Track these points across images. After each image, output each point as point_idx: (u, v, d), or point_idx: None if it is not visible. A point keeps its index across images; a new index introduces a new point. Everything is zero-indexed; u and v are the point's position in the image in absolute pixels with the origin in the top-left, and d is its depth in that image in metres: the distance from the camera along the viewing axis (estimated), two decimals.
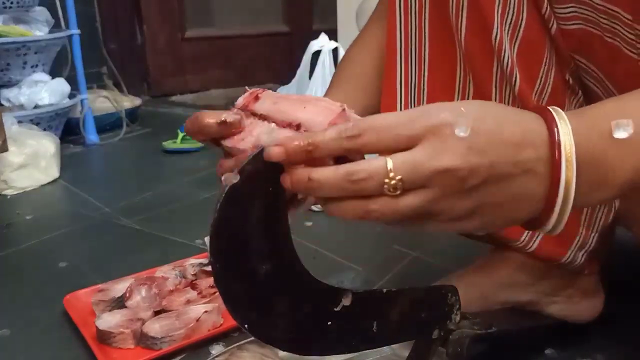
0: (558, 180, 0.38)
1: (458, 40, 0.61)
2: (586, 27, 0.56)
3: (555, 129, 0.38)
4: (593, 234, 0.66)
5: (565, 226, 0.64)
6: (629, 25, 0.52)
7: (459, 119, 0.37)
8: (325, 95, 0.68)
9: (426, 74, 0.64)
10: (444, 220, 0.39)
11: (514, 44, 0.59)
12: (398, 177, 0.37)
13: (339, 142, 0.38)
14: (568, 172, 0.38)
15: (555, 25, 0.59)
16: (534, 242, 0.65)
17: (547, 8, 0.58)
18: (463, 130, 0.37)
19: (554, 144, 0.38)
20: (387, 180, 0.37)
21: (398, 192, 0.37)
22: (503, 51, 0.58)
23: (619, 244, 0.76)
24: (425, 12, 0.63)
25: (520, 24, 0.59)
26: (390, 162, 0.37)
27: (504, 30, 0.58)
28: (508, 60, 0.59)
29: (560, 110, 0.40)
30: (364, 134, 0.37)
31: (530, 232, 0.64)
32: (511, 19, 0.59)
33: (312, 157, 0.38)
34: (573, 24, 0.58)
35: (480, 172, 0.37)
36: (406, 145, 0.37)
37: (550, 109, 0.40)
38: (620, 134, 0.39)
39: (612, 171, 0.39)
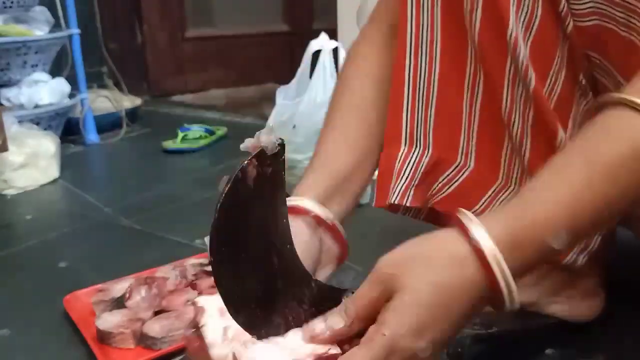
0: (503, 305, 0.46)
1: (471, 36, 0.60)
2: (601, 22, 0.56)
3: (497, 282, 0.44)
4: (597, 237, 0.66)
5: None
6: None
7: (419, 343, 0.43)
8: (326, 125, 0.69)
9: (437, 70, 0.63)
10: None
11: (527, 40, 0.59)
12: None
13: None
14: (511, 300, 0.46)
15: (571, 23, 0.58)
16: None
17: (564, 5, 0.57)
18: (424, 352, 0.43)
19: (497, 291, 0.45)
20: None
21: None
22: (518, 49, 0.57)
23: (619, 244, 0.76)
24: (437, 7, 0.62)
25: (534, 21, 0.58)
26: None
27: (519, 27, 0.58)
28: (523, 59, 0.58)
29: (492, 248, 0.44)
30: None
31: None
32: (525, 16, 0.58)
33: None
34: (589, 20, 0.57)
35: (445, 347, 0.48)
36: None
37: (481, 247, 0.44)
38: (558, 245, 0.45)
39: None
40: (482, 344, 0.64)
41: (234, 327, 0.45)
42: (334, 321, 0.46)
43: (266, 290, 0.45)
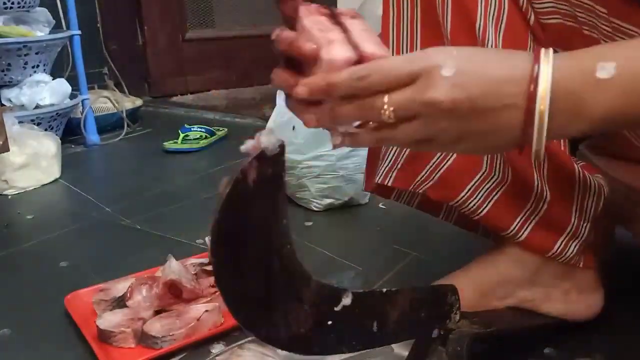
0: (533, 111, 0.43)
1: (445, 35, 0.63)
2: (565, 21, 0.59)
3: (537, 65, 0.43)
4: (585, 224, 0.66)
5: (556, 215, 0.65)
6: (604, 18, 0.53)
7: (448, 61, 0.43)
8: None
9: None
10: (439, 144, 0.46)
11: (499, 32, 0.62)
12: (391, 109, 0.44)
13: (351, 82, 0.44)
14: (541, 105, 0.42)
15: (533, 17, 0.61)
16: (524, 232, 0.66)
17: (523, 2, 0.61)
18: (448, 70, 0.43)
19: (531, 79, 0.43)
20: (382, 112, 0.44)
21: (392, 120, 0.45)
22: (487, 41, 0.60)
23: (619, 244, 0.76)
24: (417, 9, 0.65)
25: (502, 15, 0.61)
26: (386, 97, 0.44)
27: (488, 20, 0.61)
28: (492, 47, 0.60)
29: (551, 50, 0.43)
30: (372, 74, 0.44)
31: (520, 222, 0.65)
32: (494, 10, 0.61)
33: (328, 95, 0.45)
34: (552, 18, 0.60)
35: (462, 105, 0.43)
36: (405, 83, 0.44)
37: (543, 49, 0.44)
38: (603, 74, 0.42)
39: (589, 106, 0.43)
40: (481, 343, 0.64)
41: None
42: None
43: (266, 290, 0.45)
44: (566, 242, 0.66)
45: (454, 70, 0.42)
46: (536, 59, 0.43)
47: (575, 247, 0.66)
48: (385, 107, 0.44)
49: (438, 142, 0.46)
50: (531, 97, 0.42)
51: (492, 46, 0.60)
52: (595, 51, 0.44)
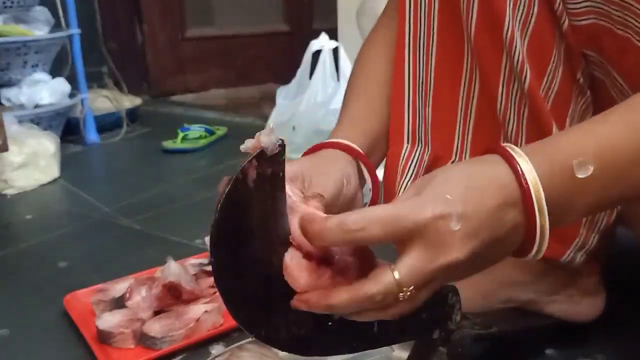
0: (534, 226, 0.42)
1: (467, 35, 0.60)
2: (598, 21, 0.56)
3: (523, 180, 0.41)
4: (594, 235, 0.66)
5: (566, 227, 0.64)
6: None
7: (450, 210, 0.40)
8: (348, 96, 0.69)
9: (433, 68, 0.64)
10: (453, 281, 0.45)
11: (524, 39, 0.59)
12: (411, 288, 0.40)
13: (342, 235, 0.39)
14: (541, 218, 0.42)
15: (566, 22, 0.58)
16: None
17: (559, 4, 0.58)
18: (455, 223, 0.40)
19: (525, 196, 0.42)
20: (401, 294, 0.40)
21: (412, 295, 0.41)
22: (514, 46, 0.58)
23: (619, 244, 0.76)
24: (434, 7, 0.62)
25: (531, 19, 0.58)
26: (397, 274, 0.40)
27: (516, 25, 0.58)
28: (519, 56, 0.58)
29: (520, 152, 0.43)
30: (367, 227, 0.39)
31: None
32: (522, 14, 0.58)
33: (316, 245, 0.42)
34: (585, 19, 0.57)
35: (478, 252, 0.41)
36: (407, 236, 0.40)
37: (510, 152, 0.43)
38: (581, 174, 0.42)
39: (576, 203, 0.43)
40: (482, 344, 0.64)
41: None
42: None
43: (266, 291, 0.45)
44: (574, 252, 0.65)
45: (460, 223, 0.40)
46: (516, 172, 0.42)
47: (582, 256, 0.66)
48: (404, 289, 0.40)
49: (452, 280, 0.46)
50: (530, 214, 0.42)
51: (518, 53, 0.58)
52: (566, 144, 0.43)
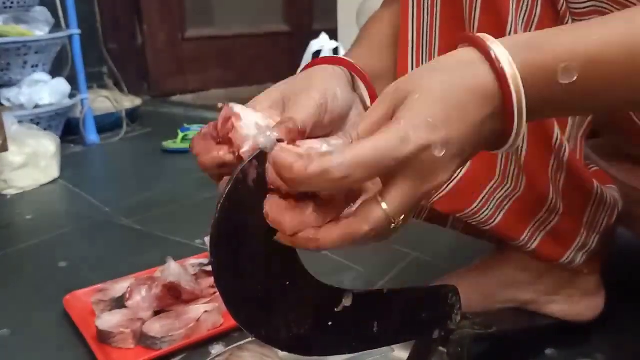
0: (511, 129, 0.41)
1: (470, 32, 0.60)
2: None
3: (507, 89, 0.39)
4: (594, 235, 0.66)
5: (566, 227, 0.64)
6: None
7: (433, 138, 0.38)
8: (355, 46, 0.67)
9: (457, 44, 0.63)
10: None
11: None
12: (401, 218, 0.40)
13: (326, 183, 0.37)
14: (519, 123, 0.40)
15: (570, 22, 0.58)
16: (533, 242, 0.65)
17: (563, 4, 0.58)
18: (439, 150, 0.39)
19: (507, 107, 0.40)
20: (393, 225, 0.39)
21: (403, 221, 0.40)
22: None
23: (619, 244, 0.76)
24: (437, 5, 0.62)
25: (534, 19, 0.58)
26: (385, 207, 0.39)
27: (519, 24, 0.58)
28: None
29: (502, 51, 0.40)
30: (352, 174, 0.37)
31: (530, 232, 0.64)
32: (525, 14, 0.58)
33: (294, 191, 0.40)
34: (588, 20, 0.57)
35: (460, 163, 0.41)
36: (392, 171, 0.39)
37: (492, 51, 0.40)
38: (565, 80, 0.40)
39: (553, 106, 0.42)
40: (482, 344, 0.64)
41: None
42: (332, 141, 0.42)
43: (266, 291, 0.45)
44: (575, 253, 0.65)
45: (444, 148, 0.39)
46: (498, 75, 0.40)
47: (582, 257, 0.66)
48: (394, 220, 0.39)
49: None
50: (509, 122, 0.40)
51: None
52: (554, 44, 0.41)
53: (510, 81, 0.39)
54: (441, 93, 0.40)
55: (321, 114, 0.48)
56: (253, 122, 0.45)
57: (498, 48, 0.40)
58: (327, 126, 0.50)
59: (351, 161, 0.37)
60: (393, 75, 0.65)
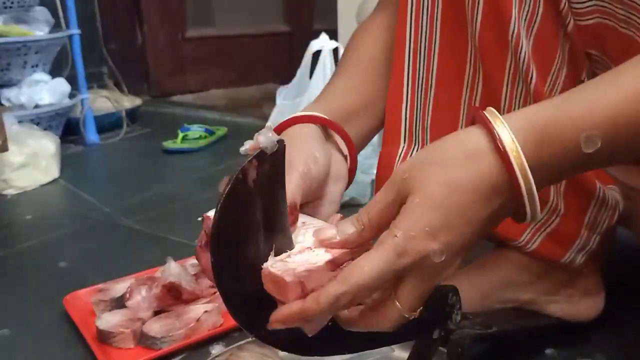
0: (524, 210, 0.41)
1: (471, 34, 0.59)
2: (602, 20, 0.56)
3: (515, 175, 0.39)
4: (595, 236, 0.66)
5: (567, 228, 0.64)
6: None
7: (431, 246, 0.39)
8: (332, 80, 0.67)
9: (435, 67, 0.63)
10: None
11: (530, 36, 0.58)
12: (419, 310, 0.42)
13: (338, 309, 0.41)
14: (531, 204, 0.40)
15: (572, 22, 0.58)
16: (534, 242, 0.65)
17: (565, 4, 0.57)
18: (438, 257, 0.40)
19: (515, 189, 0.40)
20: (410, 316, 0.42)
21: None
22: (520, 46, 0.57)
23: (619, 244, 0.76)
24: (437, 5, 0.61)
25: (536, 19, 0.58)
26: (400, 307, 0.42)
27: (521, 24, 0.57)
28: (525, 56, 0.57)
29: (512, 140, 0.39)
30: (358, 295, 0.40)
31: (531, 232, 0.64)
32: (527, 13, 0.58)
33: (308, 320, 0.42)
34: (590, 19, 0.57)
35: (465, 253, 0.42)
36: (399, 275, 0.41)
37: (499, 140, 0.39)
38: (590, 148, 0.39)
39: (569, 174, 0.45)
40: (482, 344, 0.64)
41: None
42: (345, 227, 0.43)
43: (266, 291, 0.45)
44: (575, 253, 0.65)
45: (444, 254, 0.40)
46: (508, 164, 0.39)
47: (583, 257, 0.66)
48: (413, 313, 0.42)
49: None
50: (520, 203, 0.40)
51: (524, 53, 0.57)
52: (567, 115, 0.40)
53: (517, 172, 0.39)
54: (442, 198, 0.40)
55: (306, 182, 0.51)
56: None
57: (504, 132, 0.39)
58: (315, 190, 0.53)
59: (354, 286, 0.39)
60: (378, 100, 0.66)
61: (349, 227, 0.42)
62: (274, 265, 0.42)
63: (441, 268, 0.41)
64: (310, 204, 0.54)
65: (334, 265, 0.42)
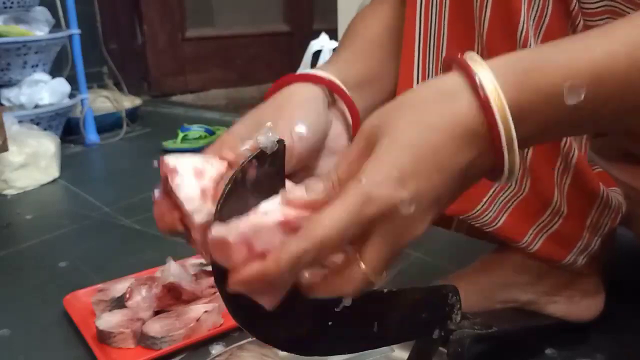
0: (502, 162, 0.38)
1: (479, 33, 0.59)
2: (612, 19, 0.56)
3: (494, 117, 0.36)
4: (597, 238, 0.66)
5: (569, 230, 0.64)
6: None
7: (398, 194, 0.36)
8: (337, 52, 0.65)
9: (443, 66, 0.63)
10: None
11: (538, 36, 0.58)
12: (383, 274, 0.38)
13: (301, 268, 0.37)
14: (510, 155, 0.37)
15: (581, 22, 0.58)
16: (536, 243, 0.64)
17: (575, 4, 0.57)
18: (407, 208, 0.36)
19: (494, 134, 0.36)
20: (375, 280, 0.38)
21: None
22: (528, 46, 0.56)
23: (619, 244, 0.76)
24: (445, 4, 0.61)
25: (545, 18, 0.58)
26: (364, 268, 0.37)
27: (530, 25, 0.57)
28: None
29: (492, 80, 0.36)
30: (321, 251, 0.36)
31: (533, 234, 0.64)
32: (536, 13, 0.57)
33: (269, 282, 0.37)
34: (600, 19, 0.57)
35: (437, 211, 0.38)
36: (365, 230, 0.37)
37: (477, 76, 0.36)
38: (573, 100, 0.37)
39: (554, 130, 0.40)
40: (482, 344, 0.64)
41: (211, 188, 0.42)
42: (314, 185, 0.38)
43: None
44: (576, 255, 0.65)
45: (413, 205, 0.36)
46: (488, 109, 0.36)
47: (584, 259, 0.66)
48: (375, 276, 0.38)
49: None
50: (499, 153, 0.37)
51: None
52: (551, 62, 0.37)
53: (496, 115, 0.36)
54: (412, 137, 0.36)
55: (287, 160, 0.46)
56: (191, 170, 0.43)
57: (484, 72, 0.36)
58: (300, 162, 0.49)
59: (316, 241, 0.35)
60: (384, 75, 0.64)
61: (319, 186, 0.38)
62: (217, 229, 0.37)
63: (410, 224, 0.37)
64: (297, 177, 0.50)
65: (288, 228, 0.37)
